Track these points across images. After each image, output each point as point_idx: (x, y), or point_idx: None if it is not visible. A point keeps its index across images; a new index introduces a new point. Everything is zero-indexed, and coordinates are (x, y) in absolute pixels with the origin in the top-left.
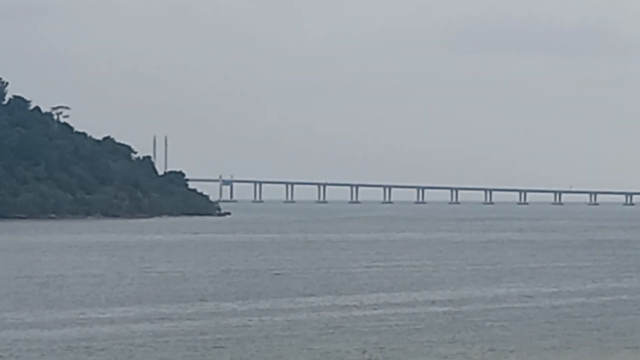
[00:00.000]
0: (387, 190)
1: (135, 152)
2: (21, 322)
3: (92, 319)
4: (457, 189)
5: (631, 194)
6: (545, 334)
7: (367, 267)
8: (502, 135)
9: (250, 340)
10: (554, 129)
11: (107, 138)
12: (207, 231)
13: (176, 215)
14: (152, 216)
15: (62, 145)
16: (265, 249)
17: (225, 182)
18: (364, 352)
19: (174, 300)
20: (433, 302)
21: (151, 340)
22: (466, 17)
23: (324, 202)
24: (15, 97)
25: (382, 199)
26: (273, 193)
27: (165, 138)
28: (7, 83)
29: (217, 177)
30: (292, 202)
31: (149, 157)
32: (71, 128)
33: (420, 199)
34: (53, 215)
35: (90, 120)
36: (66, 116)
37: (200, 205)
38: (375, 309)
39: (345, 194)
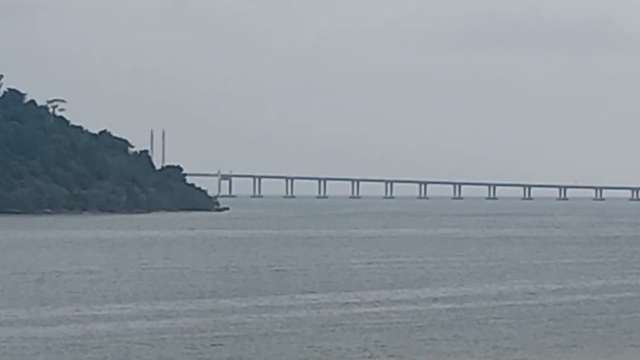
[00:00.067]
0: (388, 185)
1: (133, 147)
2: (16, 320)
3: (88, 316)
4: (460, 184)
5: (637, 189)
6: (550, 331)
7: (369, 263)
8: (506, 130)
9: (249, 338)
10: (559, 123)
11: (103, 132)
12: (205, 227)
13: (174, 211)
14: (149, 211)
15: (57, 140)
16: (264, 245)
17: (224, 177)
18: (365, 350)
19: (171, 297)
20: (435, 299)
21: (148, 338)
22: (467, 14)
23: (325, 197)
24: (10, 90)
25: (383, 194)
26: (272, 188)
27: (163, 132)
28: (1, 76)
29: (215, 172)
30: (292, 197)
31: (146, 151)
32: (67, 122)
33: (423, 194)
34: (49, 211)
35: (87, 114)
36: (62, 110)
37: (198, 201)
38: (376, 306)
39: (346, 189)
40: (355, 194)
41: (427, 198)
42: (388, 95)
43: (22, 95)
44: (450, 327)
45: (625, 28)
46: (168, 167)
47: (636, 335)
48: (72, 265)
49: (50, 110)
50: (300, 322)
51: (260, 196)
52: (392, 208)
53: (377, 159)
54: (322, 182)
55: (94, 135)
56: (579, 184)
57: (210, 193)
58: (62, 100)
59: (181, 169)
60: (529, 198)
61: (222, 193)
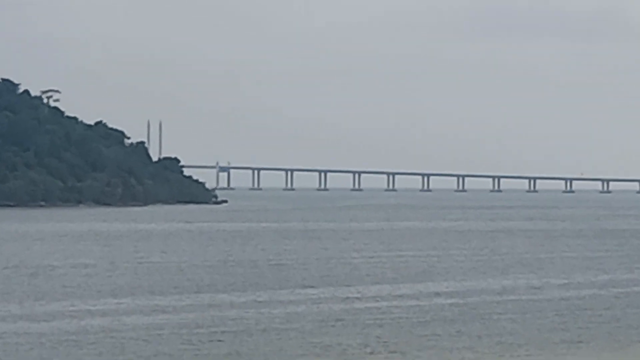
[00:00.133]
0: (390, 177)
1: (129, 138)
2: (9, 314)
3: (83, 311)
4: (463, 176)
5: None
6: (555, 327)
7: (370, 257)
8: (511, 120)
9: (247, 334)
10: (565, 114)
11: (99, 123)
12: (203, 220)
13: (171, 204)
14: (146, 204)
15: (52, 130)
16: (263, 239)
17: (222, 169)
18: (366, 345)
19: (168, 291)
20: (438, 294)
21: (145, 334)
22: (472, 3)
23: (325, 189)
24: (3, 80)
25: (385, 186)
26: (272, 180)
27: (160, 123)
28: None
29: (213, 164)
30: (292, 189)
31: (142, 142)
32: (62, 112)
33: (426, 187)
34: (43, 203)
35: (82, 104)
36: (56, 100)
37: (196, 193)
38: (378, 301)
39: (347, 181)
40: (356, 186)
41: (430, 190)
42: (390, 86)
43: (16, 86)
44: (453, 322)
45: (634, 18)
46: (165, 158)
47: None
48: (67, 259)
49: (45, 100)
50: (299, 317)
51: (260, 188)
52: (394, 200)
53: (378, 150)
54: (322, 174)
55: (89, 126)
56: (585, 176)
57: (208, 185)
58: (57, 91)
59: (178, 161)
60: (534, 190)
61: (220, 185)
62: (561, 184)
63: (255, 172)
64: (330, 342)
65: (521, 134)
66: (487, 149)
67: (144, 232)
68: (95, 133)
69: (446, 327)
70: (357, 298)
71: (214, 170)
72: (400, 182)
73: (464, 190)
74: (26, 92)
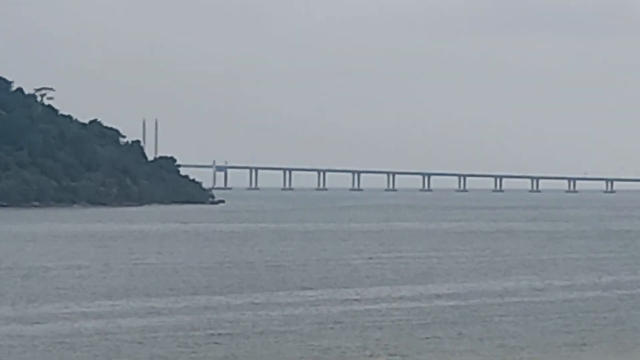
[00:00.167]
0: (390, 177)
1: (124, 137)
2: (1, 317)
3: (77, 313)
4: (465, 176)
5: None
6: (558, 329)
7: (369, 258)
8: (513, 119)
9: (244, 336)
10: (568, 112)
11: (93, 121)
12: (199, 220)
13: (167, 204)
14: (141, 204)
15: (46, 129)
16: (261, 240)
17: (219, 168)
18: (366, 348)
19: (164, 293)
20: (439, 296)
21: (140, 336)
22: None
23: (324, 189)
24: None
25: (385, 186)
26: (270, 180)
27: (156, 121)
28: None
29: (210, 163)
30: (290, 189)
31: (138, 141)
32: (56, 111)
33: (426, 187)
34: (36, 203)
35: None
36: (50, 98)
37: (192, 193)
38: (377, 302)
39: (346, 181)
40: (356, 186)
41: (431, 190)
42: (390, 85)
43: (9, 83)
44: (454, 324)
45: (638, 13)
46: (161, 158)
47: None
48: (61, 260)
49: (38, 98)
50: (298, 320)
51: (257, 188)
52: (394, 201)
53: (378, 150)
54: (321, 174)
55: (84, 124)
56: (588, 175)
57: (204, 185)
58: (51, 89)
59: (174, 160)
60: (537, 190)
61: (217, 185)
62: (564, 184)
63: (253, 171)
64: (329, 345)
65: (523, 132)
66: (489, 148)
67: (139, 232)
68: (89, 132)
69: (447, 330)
70: (357, 300)
71: (211, 170)
72: (400, 181)
73: (465, 190)
74: (19, 90)
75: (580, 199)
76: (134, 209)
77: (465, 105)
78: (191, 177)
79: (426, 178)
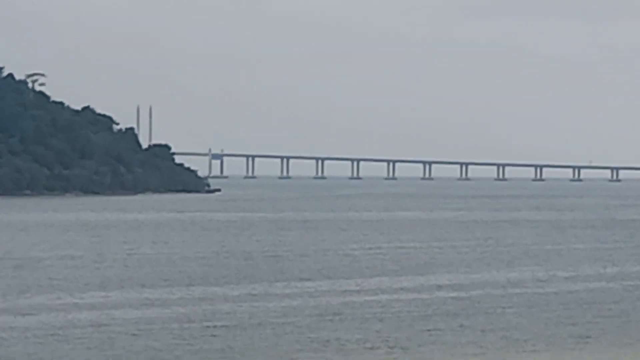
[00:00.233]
0: (390, 165)
1: (117, 124)
2: None
3: (70, 305)
4: (467, 164)
5: None
6: (562, 321)
7: (369, 248)
8: (516, 106)
9: (241, 328)
10: (573, 99)
11: (86, 108)
12: (195, 209)
13: (162, 192)
14: (135, 193)
15: (37, 116)
16: (258, 229)
17: (215, 156)
18: (366, 341)
19: (159, 284)
20: (440, 287)
21: (134, 328)
22: None
23: (323, 178)
24: None
25: (385, 174)
26: (267, 168)
27: (150, 108)
28: None
29: (206, 151)
30: (288, 177)
31: (132, 128)
32: (47, 97)
33: (427, 175)
34: (28, 192)
35: (68, 89)
36: (42, 84)
37: (187, 181)
38: (377, 294)
39: (345, 169)
40: (355, 174)
41: (432, 179)
42: (391, 69)
43: (0, 69)
44: (456, 316)
45: None
46: (155, 145)
47: None
48: (53, 250)
49: (30, 84)
50: (296, 311)
51: (254, 177)
52: (394, 189)
53: (378, 137)
54: (319, 162)
55: (76, 111)
56: (593, 163)
57: (200, 173)
58: (42, 74)
59: (169, 148)
60: (541, 179)
61: (213, 173)
62: (569, 172)
63: (250, 159)
64: (328, 337)
65: (527, 120)
66: (491, 135)
67: (134, 222)
68: (82, 119)
69: (449, 322)
70: (356, 291)
71: (207, 158)
72: (400, 170)
73: (467, 179)
74: (10, 75)
75: (585, 188)
76: (128, 197)
77: (468, 92)
78: (186, 165)
79: (427, 166)
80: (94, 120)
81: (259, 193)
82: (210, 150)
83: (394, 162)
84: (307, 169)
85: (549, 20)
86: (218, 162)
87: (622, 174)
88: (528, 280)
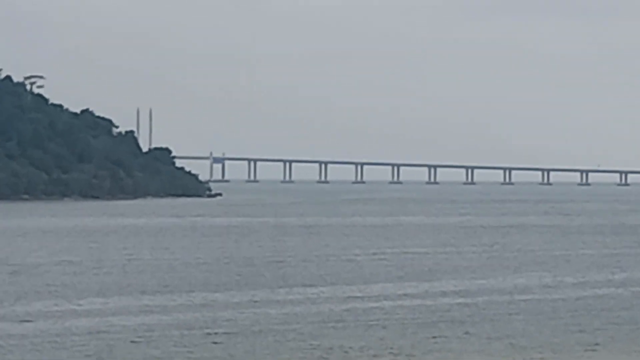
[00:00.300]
0: (395, 169)
1: (117, 127)
2: None
3: (68, 311)
4: (473, 168)
5: None
6: (570, 328)
7: (373, 254)
8: (523, 108)
9: (243, 335)
10: (581, 101)
11: (85, 111)
12: (196, 214)
13: (162, 197)
14: (135, 197)
15: (36, 119)
16: (260, 234)
17: (217, 160)
18: (369, 348)
19: (159, 291)
20: (446, 293)
21: (134, 335)
22: None
23: (326, 182)
24: None
25: (389, 178)
26: (269, 172)
27: (150, 110)
28: None
29: (207, 155)
30: (291, 182)
31: (132, 132)
32: (46, 100)
33: (432, 179)
34: (26, 197)
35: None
36: (40, 86)
37: (188, 186)
38: (381, 300)
39: (349, 173)
40: (359, 178)
41: (437, 183)
42: (391, 69)
43: None
44: (461, 323)
45: None
46: (156, 149)
47: None
48: (51, 256)
49: (28, 87)
50: (298, 318)
51: (256, 181)
52: (399, 194)
53: (379, 137)
54: (323, 166)
55: (75, 114)
56: (601, 167)
57: (201, 177)
58: (41, 77)
59: (170, 151)
60: (548, 183)
61: (214, 177)
62: (576, 176)
63: (252, 163)
64: (331, 345)
65: (533, 123)
66: (493, 135)
67: (133, 227)
68: (81, 122)
69: (454, 329)
70: (360, 297)
71: (208, 162)
72: (405, 174)
73: (473, 183)
74: (8, 77)
75: (593, 192)
76: (128, 202)
77: (468, 92)
78: (187, 169)
79: (432, 170)
80: (93, 124)
81: (261, 197)
82: (211, 154)
83: (399, 166)
84: (310, 173)
85: (549, 20)
86: (219, 165)
87: (631, 178)
88: (535, 286)
